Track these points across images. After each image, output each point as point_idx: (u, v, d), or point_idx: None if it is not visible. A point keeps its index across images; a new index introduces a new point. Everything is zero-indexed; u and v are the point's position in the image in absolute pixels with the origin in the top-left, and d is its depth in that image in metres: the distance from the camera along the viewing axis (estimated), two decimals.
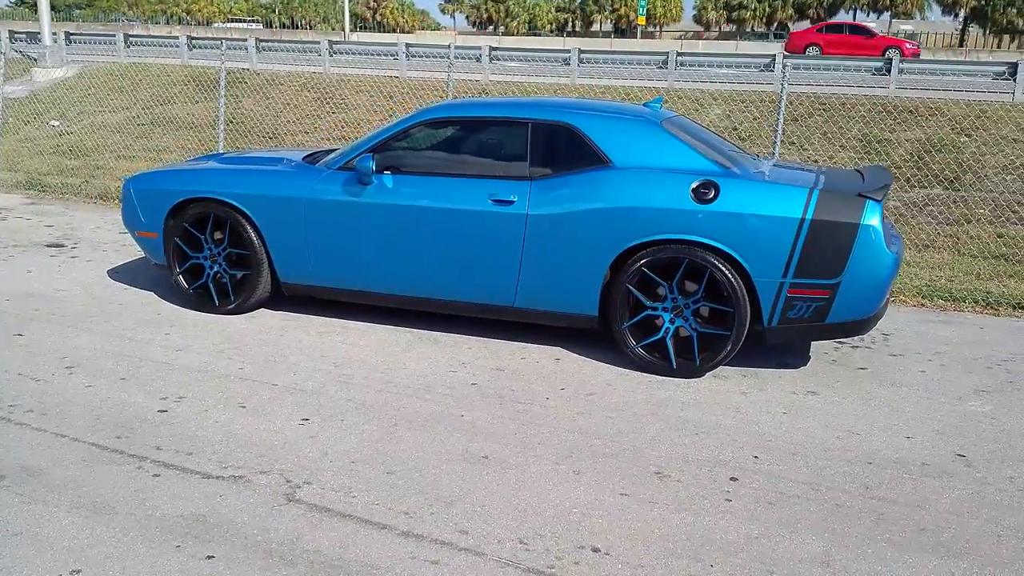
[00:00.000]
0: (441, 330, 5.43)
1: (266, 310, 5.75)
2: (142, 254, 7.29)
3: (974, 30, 74.66)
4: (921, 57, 22.61)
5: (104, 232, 8.26)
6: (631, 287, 4.76)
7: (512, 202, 4.88)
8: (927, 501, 3.48)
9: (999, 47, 68.57)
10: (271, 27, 72.41)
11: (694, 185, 4.62)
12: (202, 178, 5.61)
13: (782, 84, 7.34)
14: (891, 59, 15.29)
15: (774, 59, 16.32)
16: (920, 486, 3.61)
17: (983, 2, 69.32)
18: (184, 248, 5.67)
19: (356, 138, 14.76)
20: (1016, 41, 73.31)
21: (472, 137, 5.25)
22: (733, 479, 3.61)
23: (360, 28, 74.66)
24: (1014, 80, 14.96)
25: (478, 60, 17.83)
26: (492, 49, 17.83)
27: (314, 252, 5.34)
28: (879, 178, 4.85)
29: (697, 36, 70.34)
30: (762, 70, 16.44)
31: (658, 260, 4.69)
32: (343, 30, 54.85)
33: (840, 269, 4.47)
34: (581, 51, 17.43)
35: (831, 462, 3.80)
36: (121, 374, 4.57)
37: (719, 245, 4.56)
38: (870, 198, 4.50)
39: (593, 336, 5.29)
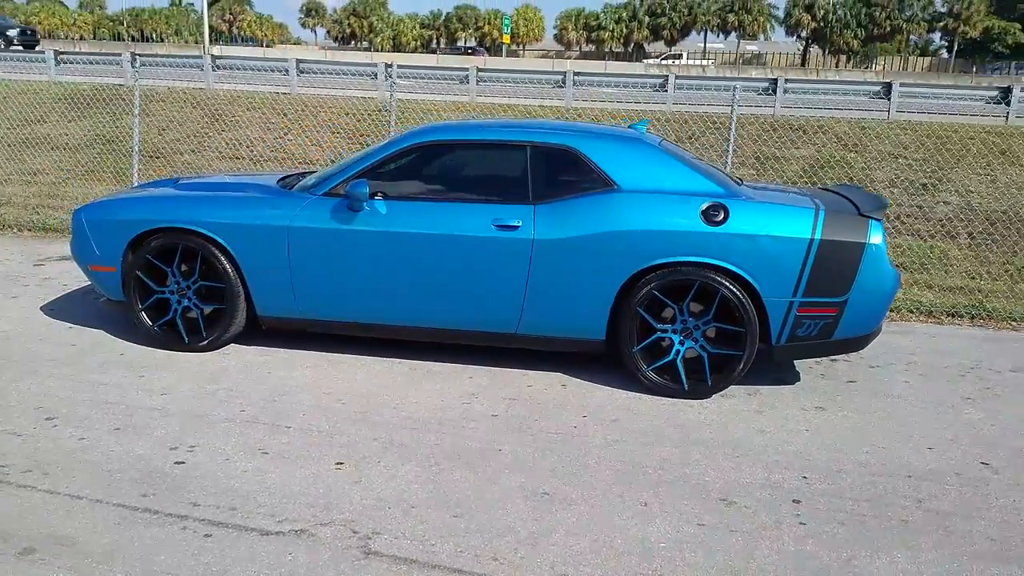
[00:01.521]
0: (433, 360, 5.26)
1: (238, 345, 5.41)
2: (70, 288, 6.74)
3: (815, 50, 79.71)
4: (804, 77, 23.87)
5: (14, 264, 7.57)
6: (641, 310, 4.75)
7: (517, 227, 4.78)
8: (978, 511, 3.61)
9: (837, 66, 73.53)
10: (121, 40, 68.97)
11: (703, 207, 4.67)
12: (169, 206, 5.22)
13: (732, 105, 7.56)
14: (776, 79, 16.07)
15: (666, 80, 16.84)
16: (964, 496, 3.74)
17: (822, 25, 74.16)
18: (147, 282, 5.26)
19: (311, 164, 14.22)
20: (851, 61, 78.81)
21: (468, 161, 5.12)
22: (796, 501, 3.63)
23: (217, 41, 72.13)
24: (889, 99, 16.01)
25: (374, 78, 17.54)
26: (387, 67, 17.59)
27: (300, 284, 5.05)
28: (865, 199, 5.03)
29: (560, 55, 71.84)
30: (656, 90, 16.92)
31: (669, 282, 4.70)
32: (200, 43, 52.87)
33: (848, 287, 4.61)
34: (479, 69, 17.45)
35: (875, 477, 3.90)
36: (113, 424, 4.17)
37: (730, 267, 4.61)
38: (872, 218, 4.67)
39: (591, 360, 5.25)
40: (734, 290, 4.63)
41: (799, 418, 4.60)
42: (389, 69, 17.27)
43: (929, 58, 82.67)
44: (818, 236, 4.59)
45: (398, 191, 5.00)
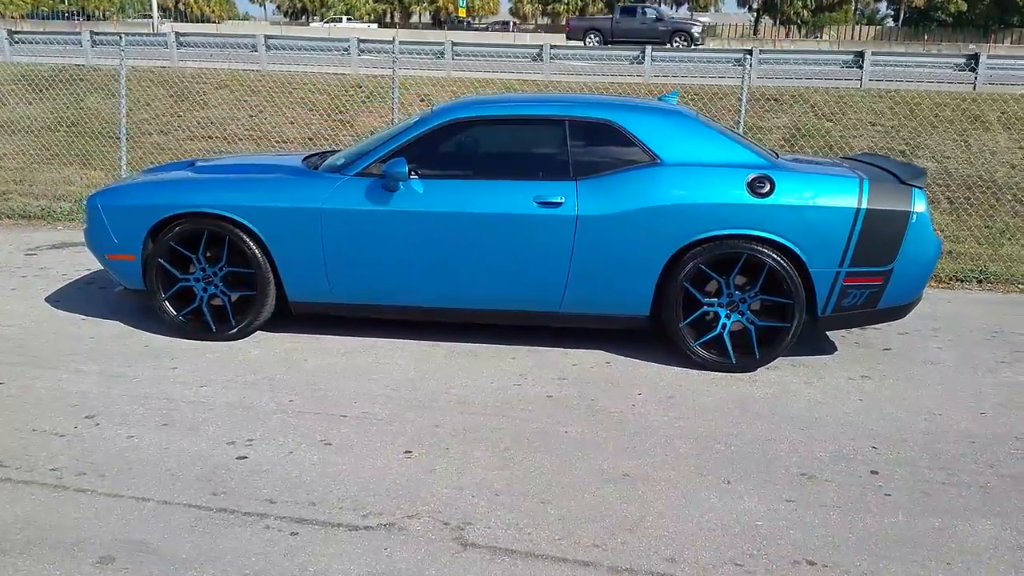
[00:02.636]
0: (470, 341, 5.15)
1: (266, 333, 5.24)
2: (70, 277, 6.49)
3: (766, 21, 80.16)
4: (775, 48, 23.95)
5: (4, 255, 7.26)
6: (687, 285, 4.69)
7: (560, 203, 4.68)
8: None
9: (787, 36, 74.05)
10: (65, 19, 66.81)
11: (749, 179, 4.61)
12: (193, 190, 5.02)
13: (743, 78, 7.51)
14: (750, 50, 16.08)
15: (643, 51, 16.78)
16: None
17: None
18: (171, 270, 5.06)
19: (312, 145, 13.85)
20: (803, 30, 79.46)
21: (504, 137, 5.00)
22: (874, 472, 3.62)
23: (164, 18, 70.26)
24: (861, 68, 16.12)
25: (346, 52, 17.18)
26: (360, 41, 17.25)
27: (334, 267, 4.90)
28: (902, 168, 5.01)
29: (520, 29, 71.22)
30: (632, 63, 16.85)
31: (715, 256, 4.64)
32: (148, 20, 51.43)
33: (893, 256, 4.60)
34: (454, 43, 17.19)
35: (941, 444, 3.90)
36: (158, 420, 4.01)
37: (777, 238, 4.57)
38: (916, 186, 4.65)
39: (629, 336, 5.19)
40: (781, 262, 4.59)
41: (849, 388, 4.59)
42: (383, 44, 16.96)
43: (876, 27, 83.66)
44: (864, 206, 4.56)
45: (434, 170, 4.86)
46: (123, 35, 12.44)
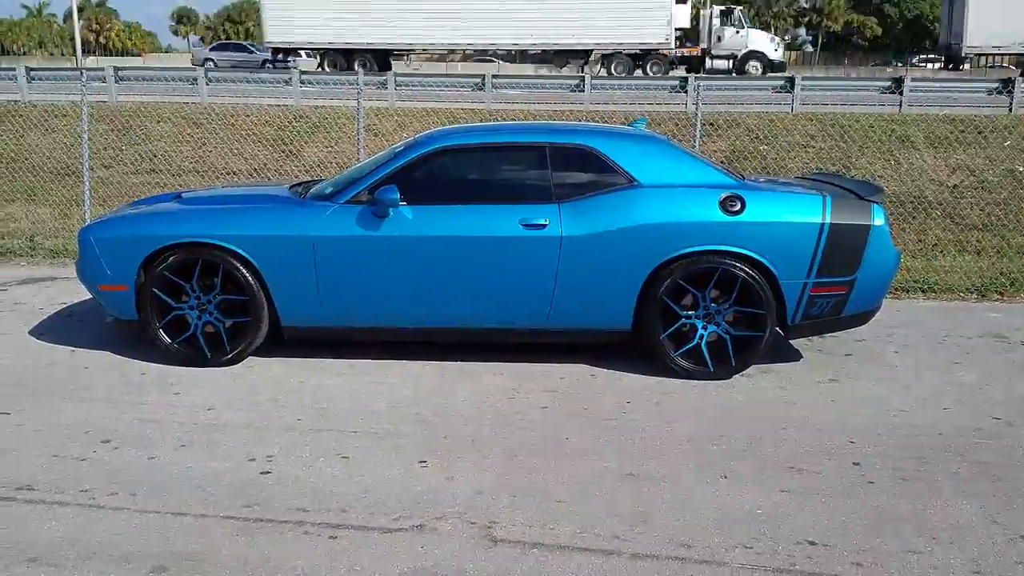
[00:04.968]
0: (458, 360, 5.36)
1: (258, 358, 5.37)
2: (47, 311, 6.51)
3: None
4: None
5: None
6: (666, 299, 5.00)
7: (544, 225, 4.95)
8: (1013, 460, 4.02)
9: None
10: None
11: (721, 198, 4.96)
12: (185, 220, 5.16)
13: (697, 103, 7.93)
14: (687, 78, 16.72)
15: (583, 81, 17.30)
16: (996, 448, 4.15)
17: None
18: (165, 299, 5.17)
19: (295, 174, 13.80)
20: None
21: (488, 163, 5.25)
22: (856, 463, 3.95)
23: (86, 52, 68.94)
24: (792, 93, 16.89)
25: (288, 84, 17.30)
26: (302, 73, 17.40)
27: (327, 292, 5.08)
28: (858, 185, 5.42)
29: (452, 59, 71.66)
30: (572, 90, 17.34)
31: (692, 271, 4.96)
32: (67, 55, 50.46)
33: (856, 266, 4.98)
34: (396, 75, 17.46)
35: (911, 438, 4.26)
36: (175, 442, 4.13)
37: (749, 253, 4.92)
38: (874, 202, 5.06)
39: (612, 349, 5.47)
40: (753, 275, 4.94)
41: (820, 390, 4.94)
42: (304, 76, 17.12)
43: (796, 52, 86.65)
44: (828, 220, 4.94)
45: (422, 196, 5.09)
46: (83, 71, 12.38)
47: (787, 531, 3.33)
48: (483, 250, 4.98)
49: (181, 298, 5.22)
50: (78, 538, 3.22)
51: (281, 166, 14.89)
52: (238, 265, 5.07)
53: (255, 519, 3.39)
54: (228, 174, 14.88)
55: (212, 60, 34.25)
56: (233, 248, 5.05)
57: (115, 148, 16.02)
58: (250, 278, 5.09)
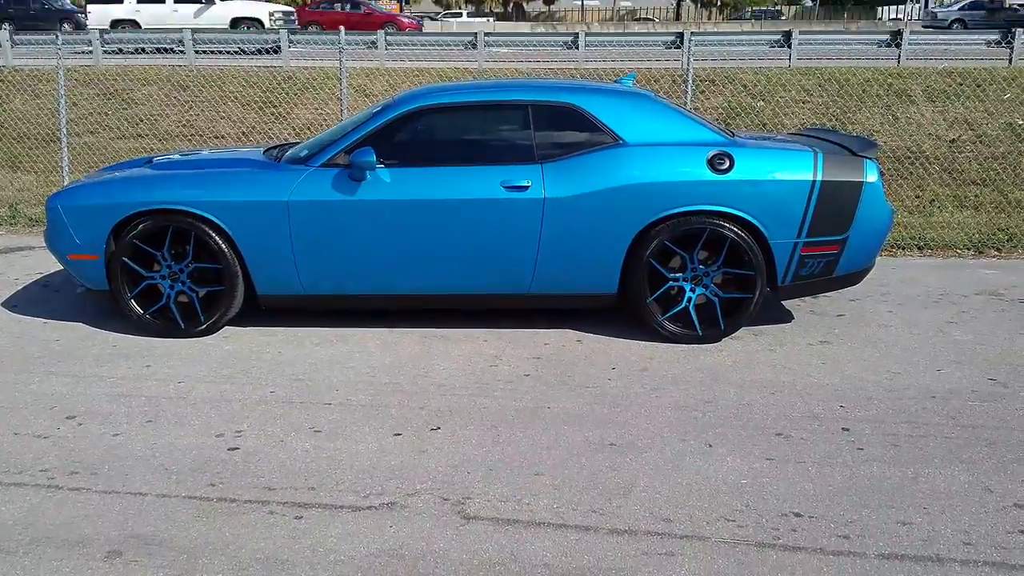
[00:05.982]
0: (440, 327, 5.22)
1: (234, 328, 5.23)
2: (21, 282, 6.36)
3: (687, 4, 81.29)
4: (712, 29, 24.31)
5: None
6: (653, 261, 4.83)
7: (526, 187, 4.77)
8: (1007, 423, 3.88)
9: (710, 19, 75.38)
10: None
11: (709, 156, 4.77)
12: (155, 186, 4.97)
13: (688, 60, 7.69)
14: (682, 33, 16.36)
15: (576, 38, 16.93)
16: (990, 410, 4.01)
17: None
18: (135, 268, 5.01)
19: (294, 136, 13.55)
20: (723, 13, 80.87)
21: (468, 123, 5.05)
22: (845, 429, 3.81)
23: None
24: (789, 47, 16.54)
25: (276, 54, 16.96)
26: (291, 33, 17.03)
27: (304, 259, 4.92)
28: (852, 140, 5.23)
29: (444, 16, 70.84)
30: (566, 47, 17.00)
31: (679, 232, 4.79)
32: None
33: (848, 225, 4.81)
34: (387, 34, 17.10)
35: (903, 401, 4.12)
36: (142, 417, 4.00)
37: (738, 212, 4.74)
38: (867, 158, 4.87)
39: (596, 315, 5.32)
40: (742, 235, 4.77)
41: (811, 352, 4.80)
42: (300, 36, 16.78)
43: (795, 7, 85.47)
44: (819, 178, 4.76)
45: (400, 158, 4.91)
46: (58, 34, 12.08)
47: (772, 502, 3.20)
48: (463, 213, 4.81)
49: (153, 267, 5.06)
50: (32, 522, 3.09)
51: (269, 128, 14.63)
52: (210, 232, 4.91)
53: (218, 499, 3.26)
54: (215, 138, 14.62)
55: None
56: (204, 214, 4.87)
57: (100, 113, 15.75)
58: (223, 245, 4.93)
